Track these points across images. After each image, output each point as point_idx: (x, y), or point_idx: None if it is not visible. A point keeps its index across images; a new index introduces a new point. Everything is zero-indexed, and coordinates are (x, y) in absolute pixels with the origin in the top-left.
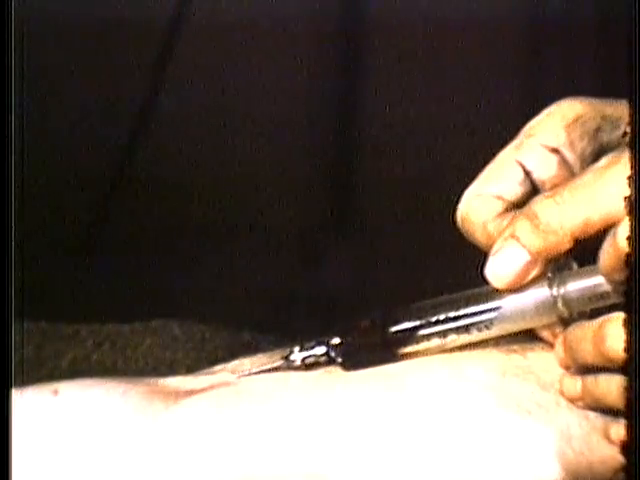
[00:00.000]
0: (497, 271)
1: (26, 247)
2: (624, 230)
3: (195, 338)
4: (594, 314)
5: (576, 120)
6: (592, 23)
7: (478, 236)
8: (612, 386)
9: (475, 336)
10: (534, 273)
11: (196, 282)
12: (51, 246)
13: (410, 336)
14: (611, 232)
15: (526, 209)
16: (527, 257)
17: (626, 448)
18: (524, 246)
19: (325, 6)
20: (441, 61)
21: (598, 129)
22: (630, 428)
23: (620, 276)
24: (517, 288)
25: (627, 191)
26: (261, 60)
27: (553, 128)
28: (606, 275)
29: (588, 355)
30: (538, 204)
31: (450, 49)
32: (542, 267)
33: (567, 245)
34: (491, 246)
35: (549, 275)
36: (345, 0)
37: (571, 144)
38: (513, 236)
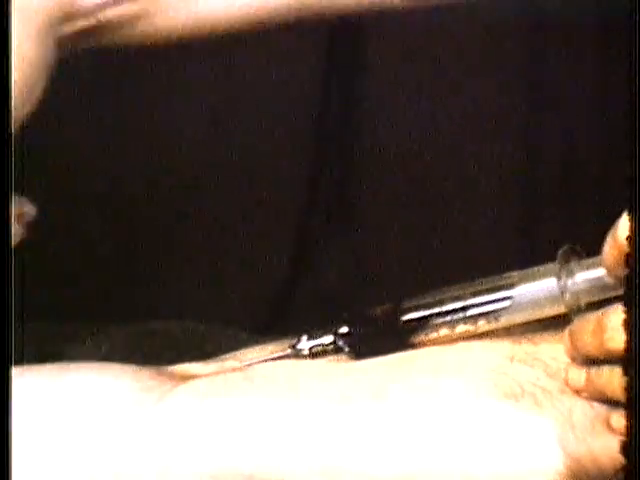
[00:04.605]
0: None
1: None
2: (624, 228)
3: (195, 338)
4: (604, 305)
5: None
6: (592, 23)
7: None
8: (614, 378)
9: (484, 326)
10: None
11: (196, 282)
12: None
13: (421, 325)
14: (612, 229)
15: None
16: None
17: (626, 448)
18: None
19: None
20: (441, 61)
21: None
22: (630, 428)
23: (623, 272)
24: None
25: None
26: (261, 61)
27: None
28: (608, 270)
29: (590, 346)
30: None
31: (450, 50)
32: None
33: None
34: None
35: (557, 265)
36: None
37: None
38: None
